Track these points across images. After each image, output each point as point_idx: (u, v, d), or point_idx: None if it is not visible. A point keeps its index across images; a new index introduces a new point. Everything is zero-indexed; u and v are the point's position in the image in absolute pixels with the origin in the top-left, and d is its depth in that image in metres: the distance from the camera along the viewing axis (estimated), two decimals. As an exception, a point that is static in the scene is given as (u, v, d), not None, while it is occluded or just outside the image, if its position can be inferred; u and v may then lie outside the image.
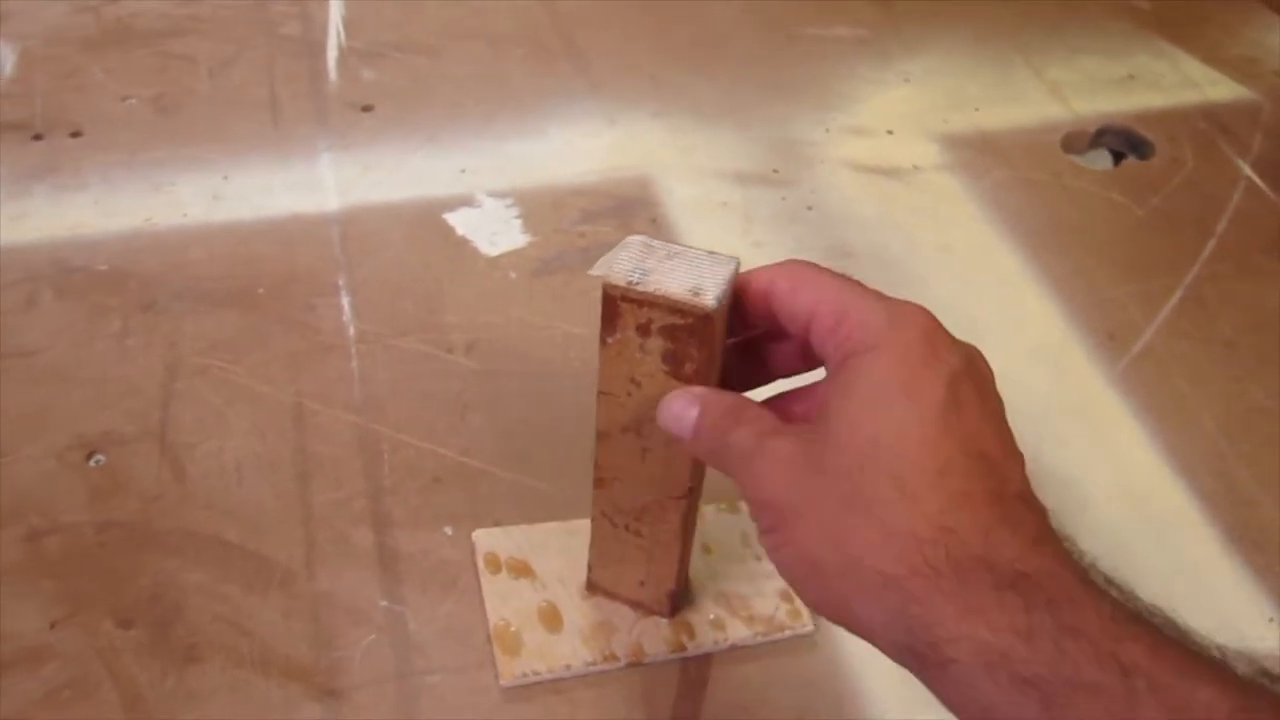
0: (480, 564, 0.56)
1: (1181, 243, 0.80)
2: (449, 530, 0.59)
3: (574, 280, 0.73)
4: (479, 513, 0.60)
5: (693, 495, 0.47)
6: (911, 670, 0.35)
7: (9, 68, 0.86)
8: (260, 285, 0.71)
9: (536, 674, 0.52)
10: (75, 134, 0.81)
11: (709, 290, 0.39)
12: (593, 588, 0.55)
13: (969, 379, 0.37)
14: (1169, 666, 0.31)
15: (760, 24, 0.97)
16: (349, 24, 0.93)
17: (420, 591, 0.56)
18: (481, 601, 0.55)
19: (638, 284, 0.40)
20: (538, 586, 0.55)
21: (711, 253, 0.41)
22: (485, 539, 0.57)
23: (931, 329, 0.38)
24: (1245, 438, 0.67)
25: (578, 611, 0.54)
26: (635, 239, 0.41)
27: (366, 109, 0.85)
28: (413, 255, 0.74)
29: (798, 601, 0.56)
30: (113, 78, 0.86)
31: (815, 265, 0.42)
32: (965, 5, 1.02)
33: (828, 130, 0.87)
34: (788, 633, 0.55)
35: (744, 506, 0.60)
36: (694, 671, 0.54)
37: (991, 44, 0.98)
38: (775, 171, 0.83)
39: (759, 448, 0.38)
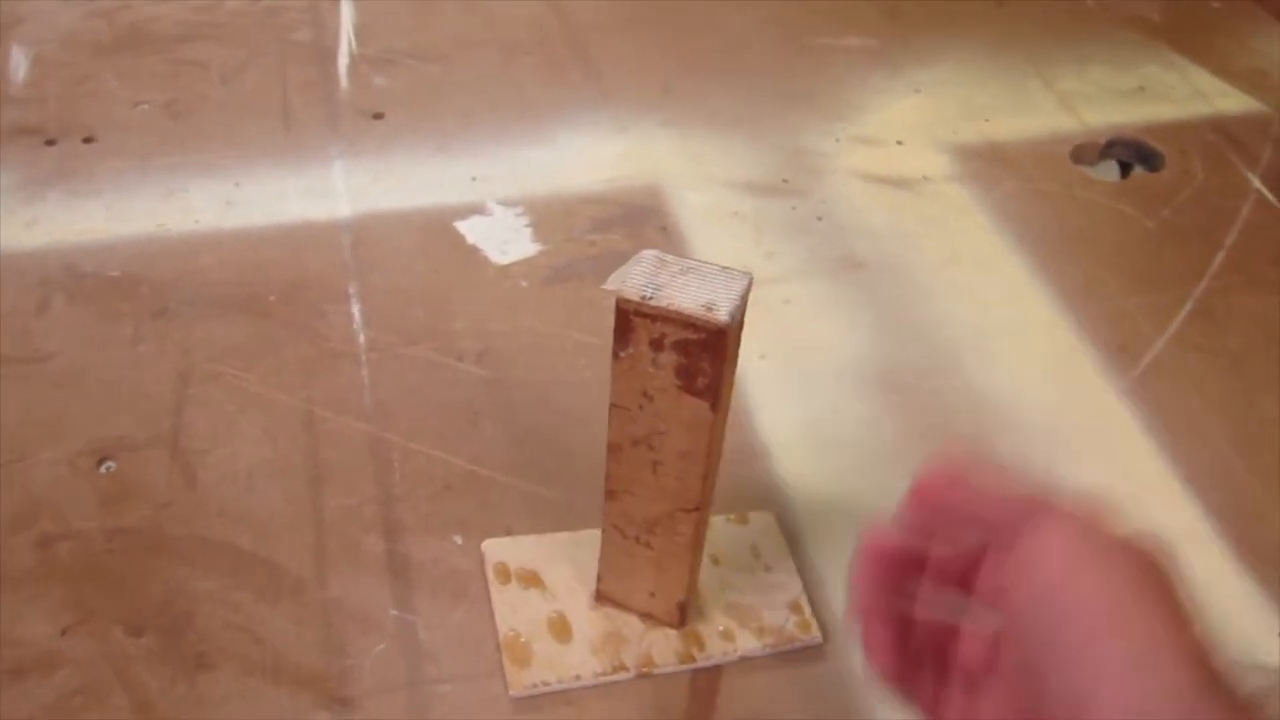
0: (490, 574, 0.56)
1: (1191, 255, 0.80)
2: (459, 539, 0.59)
3: (585, 289, 0.73)
4: (489, 521, 0.60)
5: (703, 508, 0.48)
6: None
7: (22, 73, 0.87)
8: (271, 292, 0.71)
9: (546, 684, 0.52)
10: (88, 139, 0.81)
11: (722, 305, 0.39)
12: (602, 598, 0.55)
13: (1178, 615, 0.33)
14: None
15: (772, 34, 0.97)
16: (360, 31, 0.93)
17: (431, 599, 0.57)
18: (491, 610, 0.55)
19: (651, 299, 0.40)
20: (547, 597, 0.55)
21: (725, 268, 0.41)
22: (495, 549, 0.57)
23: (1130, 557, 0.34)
24: (1254, 451, 0.67)
25: (587, 622, 0.54)
26: (649, 253, 0.41)
27: (378, 116, 0.85)
28: (423, 263, 0.74)
29: (807, 613, 0.56)
30: (125, 83, 0.86)
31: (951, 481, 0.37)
32: (976, 16, 1.02)
33: (838, 140, 0.87)
34: (797, 644, 0.55)
35: (753, 518, 0.60)
36: (703, 682, 0.54)
37: (1002, 55, 0.98)
38: (785, 181, 0.83)
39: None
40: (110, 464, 0.61)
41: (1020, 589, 0.34)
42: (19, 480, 0.60)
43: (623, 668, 0.53)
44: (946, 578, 0.38)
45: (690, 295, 0.40)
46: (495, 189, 0.80)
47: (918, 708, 0.38)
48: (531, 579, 0.56)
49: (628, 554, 0.51)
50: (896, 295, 0.75)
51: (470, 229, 0.77)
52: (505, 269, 0.74)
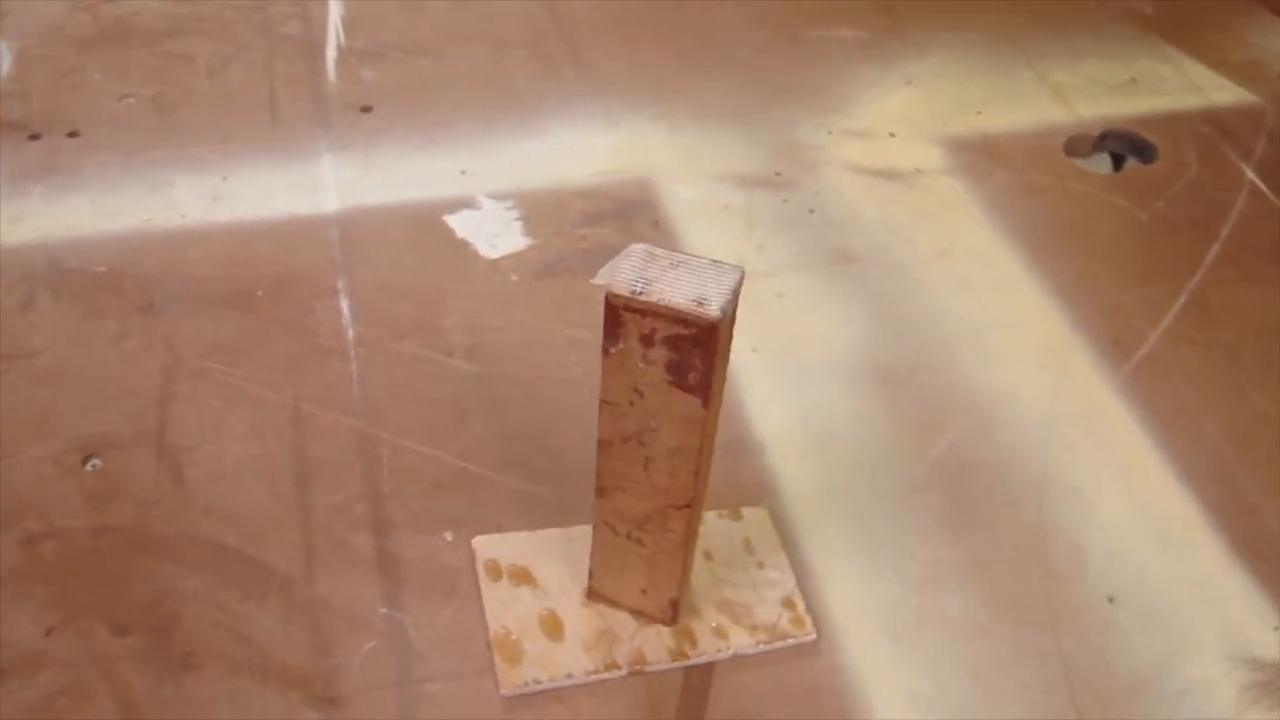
0: (481, 571, 0.56)
1: (1185, 247, 0.80)
2: (449, 536, 0.59)
3: (575, 283, 0.72)
4: (479, 517, 0.59)
5: (695, 504, 0.47)
6: None
7: (6, 67, 0.86)
8: (259, 287, 0.71)
9: (538, 683, 0.51)
10: (73, 134, 0.81)
11: (714, 300, 0.39)
12: (594, 595, 0.54)
13: None
14: None
15: (763, 26, 0.97)
16: (349, 24, 0.92)
17: (420, 597, 0.56)
18: (482, 608, 0.55)
19: (641, 294, 0.39)
20: (539, 594, 0.55)
21: (716, 262, 0.40)
22: (486, 546, 0.57)
23: None
24: (1248, 444, 0.67)
25: (579, 619, 0.53)
26: (638, 247, 0.41)
27: (366, 110, 0.85)
28: (412, 257, 0.74)
29: (800, 609, 0.56)
30: (111, 77, 0.85)
31: None
32: (968, 8, 1.01)
33: (830, 133, 0.87)
34: (790, 641, 0.55)
35: (746, 513, 0.60)
36: (696, 679, 0.53)
37: (994, 47, 0.97)
38: (777, 174, 0.83)
39: None
40: (96, 461, 0.61)
41: None
42: (3, 479, 0.59)
43: (615, 666, 0.52)
44: None
45: (681, 290, 0.39)
46: (485, 182, 0.80)
47: None
48: (523, 576, 0.55)
49: (619, 551, 0.50)
50: (889, 288, 0.75)
51: (460, 223, 0.76)
52: (495, 263, 0.74)
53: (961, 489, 0.63)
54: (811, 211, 0.80)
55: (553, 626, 0.53)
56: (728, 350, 0.42)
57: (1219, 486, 0.65)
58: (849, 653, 0.56)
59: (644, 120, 0.86)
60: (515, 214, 0.77)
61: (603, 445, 0.45)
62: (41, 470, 0.60)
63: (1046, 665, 0.56)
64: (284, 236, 0.74)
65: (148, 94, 0.84)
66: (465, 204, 0.78)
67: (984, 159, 0.86)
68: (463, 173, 0.80)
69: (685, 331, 0.39)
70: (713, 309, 0.39)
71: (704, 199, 0.80)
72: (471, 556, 0.57)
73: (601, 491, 0.48)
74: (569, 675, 0.52)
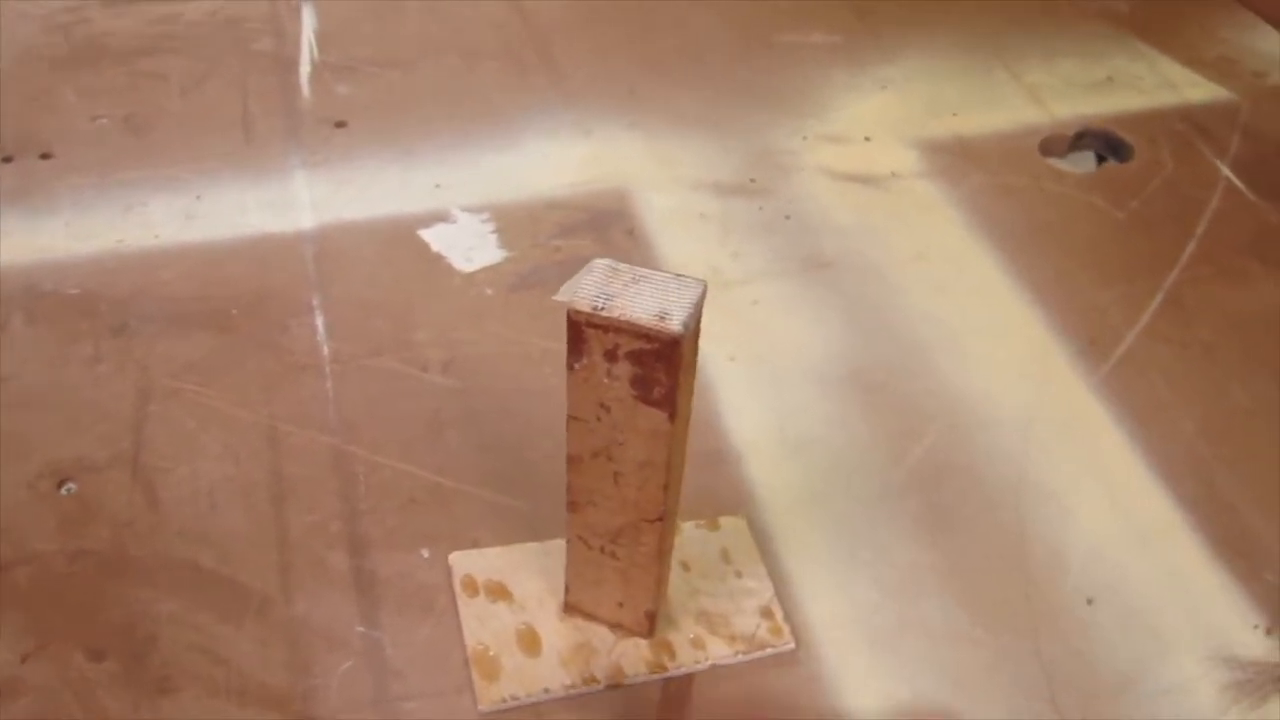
0: (457, 587, 0.55)
1: (1161, 245, 0.80)
2: (426, 552, 0.58)
3: (550, 295, 0.72)
4: (456, 533, 0.59)
5: (667, 518, 0.47)
6: None
7: (-22, 89, 0.85)
8: (233, 306, 0.70)
9: (515, 699, 0.51)
10: (45, 155, 0.80)
11: (676, 314, 0.39)
12: (571, 609, 0.54)
13: None
14: None
15: (736, 32, 0.97)
16: (322, 39, 0.92)
17: (398, 615, 0.56)
18: (459, 624, 0.55)
19: (603, 309, 0.39)
20: (515, 609, 0.54)
21: (678, 275, 0.40)
22: (462, 561, 0.57)
23: None
24: (1225, 441, 0.67)
25: (556, 633, 0.53)
26: (600, 263, 0.41)
27: (340, 125, 0.84)
28: (387, 273, 0.73)
29: (778, 618, 0.55)
30: (84, 98, 0.85)
31: None
32: (942, 10, 1.02)
33: (805, 138, 0.87)
34: (769, 650, 0.54)
35: (723, 522, 0.59)
36: (676, 691, 0.53)
37: (969, 48, 0.97)
38: (753, 181, 0.83)
39: None
40: (71, 485, 0.61)
41: None
42: (-23, 505, 0.59)
43: (593, 680, 0.52)
44: None
45: (643, 305, 0.39)
46: (460, 196, 0.79)
47: None
48: (499, 591, 0.55)
49: (594, 565, 0.50)
50: (865, 293, 0.75)
51: (435, 237, 0.76)
52: (470, 277, 0.74)
53: (939, 493, 0.63)
54: (787, 218, 0.80)
55: (530, 642, 0.53)
56: (693, 363, 0.42)
57: (1197, 484, 0.65)
58: (828, 660, 0.55)
59: (618, 129, 0.86)
60: (490, 227, 0.77)
61: (572, 460, 0.45)
62: (16, 495, 0.60)
63: (1027, 668, 0.56)
64: (258, 254, 0.74)
65: (121, 114, 0.84)
66: (440, 218, 0.78)
67: (960, 161, 0.86)
68: (437, 186, 0.80)
69: (648, 346, 0.39)
70: (675, 323, 0.39)
71: (679, 207, 0.80)
72: (448, 573, 0.57)
73: (573, 506, 0.48)
74: (546, 690, 0.52)
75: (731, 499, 0.61)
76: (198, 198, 0.78)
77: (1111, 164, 0.89)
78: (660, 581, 0.51)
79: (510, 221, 0.78)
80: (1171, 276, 0.77)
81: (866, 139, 0.87)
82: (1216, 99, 0.94)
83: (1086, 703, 0.55)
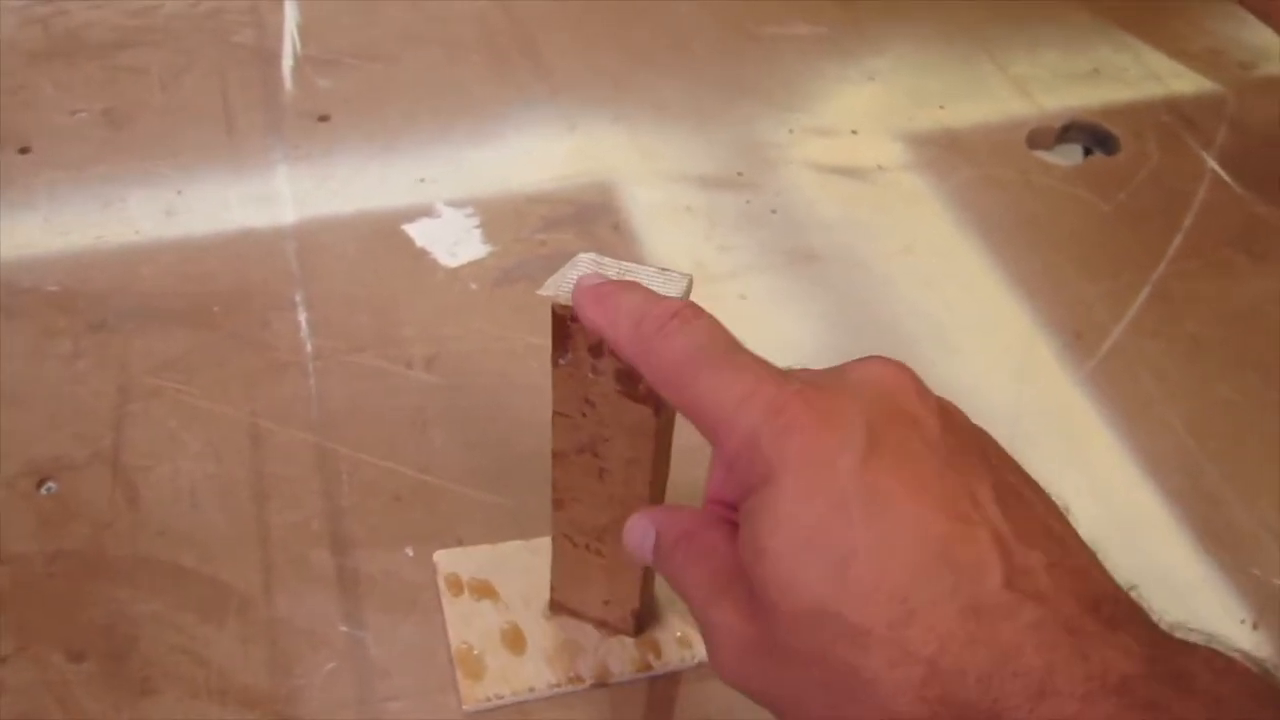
0: (442, 585, 0.55)
1: (1148, 238, 0.80)
2: (410, 551, 0.58)
3: (535, 290, 0.71)
4: (441, 531, 0.59)
5: (653, 515, 0.46)
6: None
7: (-46, 83, 0.84)
8: (215, 302, 0.70)
9: (500, 698, 0.51)
10: (23, 150, 0.79)
11: (662, 308, 0.38)
12: (556, 607, 0.53)
13: (884, 453, 0.30)
14: None
15: (721, 24, 0.96)
16: (304, 31, 0.91)
17: (381, 614, 0.55)
18: (444, 623, 0.54)
19: None
20: (500, 608, 0.54)
21: (663, 270, 0.40)
22: (446, 560, 0.56)
23: (816, 421, 0.31)
24: (1213, 436, 0.67)
25: (541, 632, 0.53)
26: (584, 257, 0.40)
27: (323, 119, 0.84)
28: (371, 268, 0.73)
29: (766, 615, 0.55)
30: (62, 91, 0.84)
31: (670, 326, 0.35)
32: (927, 1, 1.01)
33: (791, 131, 0.86)
34: (756, 647, 0.54)
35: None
36: (661, 690, 0.53)
37: (956, 40, 0.97)
38: (739, 174, 0.82)
39: (709, 623, 0.33)
40: (51, 485, 0.60)
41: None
42: (-46, 505, 0.58)
43: (578, 679, 0.52)
44: None
45: None
46: (444, 190, 0.79)
47: None
48: (484, 590, 0.55)
49: (579, 563, 0.50)
50: (853, 287, 0.74)
51: (419, 231, 0.76)
52: (455, 272, 0.73)
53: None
54: (774, 211, 0.79)
55: (515, 640, 0.53)
56: (679, 359, 0.42)
57: (1183, 478, 0.65)
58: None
59: (602, 122, 0.85)
60: (474, 221, 0.76)
61: (557, 457, 0.45)
62: (-6, 495, 0.59)
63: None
64: (239, 250, 0.73)
65: (100, 108, 0.83)
66: (424, 212, 0.77)
67: (946, 154, 0.85)
68: (421, 180, 0.79)
69: (634, 341, 0.39)
70: (661, 317, 0.38)
71: (665, 201, 0.79)
72: (432, 571, 0.56)
73: (558, 504, 0.47)
74: (531, 689, 0.51)
75: (718, 495, 0.61)
76: (178, 192, 0.77)
77: (1098, 156, 0.88)
78: (647, 579, 0.50)
79: (494, 216, 0.77)
80: (1158, 270, 0.77)
81: (853, 132, 0.87)
82: (1203, 91, 0.94)
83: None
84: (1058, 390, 0.69)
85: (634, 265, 0.40)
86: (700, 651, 0.53)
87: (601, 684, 0.52)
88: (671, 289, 0.39)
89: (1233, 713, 0.28)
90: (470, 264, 0.73)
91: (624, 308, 0.36)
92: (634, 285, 0.37)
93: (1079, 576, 0.31)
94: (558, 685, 0.51)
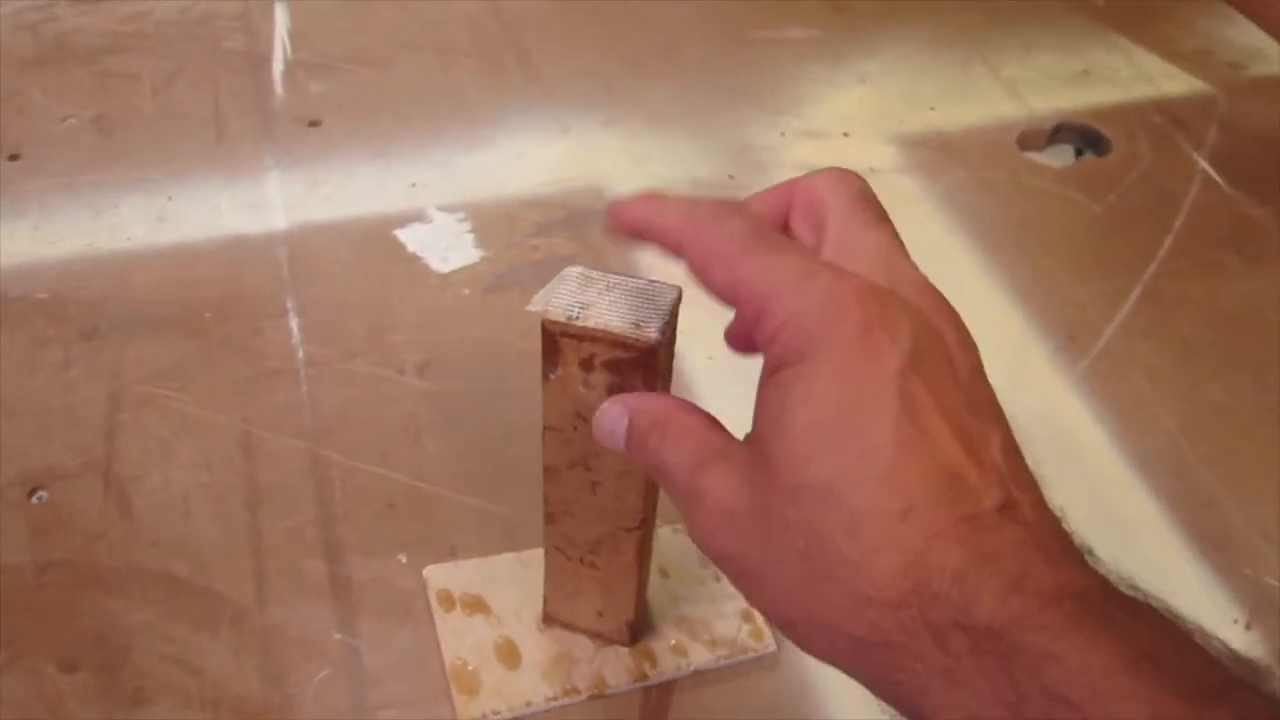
0: (433, 601, 0.55)
1: (1139, 239, 0.80)
2: (403, 558, 0.58)
3: (528, 296, 0.70)
4: (434, 538, 0.59)
5: (646, 526, 0.46)
6: None
7: (-56, 90, 0.84)
8: (206, 309, 0.70)
9: (497, 714, 0.51)
10: (13, 157, 0.79)
11: (651, 321, 0.38)
12: (549, 620, 0.53)
13: (922, 370, 0.32)
14: None
15: (712, 27, 0.96)
16: (295, 36, 0.91)
17: (375, 622, 0.55)
18: (437, 633, 0.54)
19: (577, 319, 0.38)
20: (493, 622, 0.54)
21: (653, 281, 0.40)
22: (437, 575, 0.56)
23: (870, 317, 0.32)
24: (1204, 437, 0.67)
25: (535, 645, 0.53)
26: (573, 270, 0.40)
27: (314, 124, 0.84)
28: (363, 274, 0.73)
29: (759, 621, 0.55)
30: (52, 98, 0.84)
31: (721, 213, 0.36)
32: (920, 4, 1.01)
33: (783, 134, 0.86)
34: (750, 654, 0.54)
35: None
36: (657, 699, 0.53)
37: (947, 42, 0.97)
38: (731, 178, 0.82)
39: (694, 491, 0.34)
40: (42, 494, 0.60)
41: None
42: (-55, 516, 0.58)
43: (574, 691, 0.52)
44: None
45: (618, 312, 0.38)
46: (435, 195, 0.79)
47: None
48: (476, 604, 0.55)
49: (572, 575, 0.50)
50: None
51: (410, 237, 0.75)
52: (447, 277, 0.73)
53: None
54: (765, 215, 0.79)
55: (509, 654, 0.53)
56: (669, 369, 0.42)
57: (1176, 479, 0.65)
58: (810, 661, 0.55)
59: (595, 126, 0.85)
60: (466, 226, 0.76)
61: (548, 471, 0.45)
62: (-15, 506, 0.59)
63: (1010, 666, 0.56)
64: (231, 256, 0.73)
65: (90, 114, 0.83)
66: (416, 218, 0.77)
67: (938, 156, 0.86)
68: (413, 186, 0.79)
69: (624, 355, 0.39)
70: (651, 330, 0.38)
71: (657, 205, 0.79)
72: (424, 585, 0.56)
73: (550, 518, 0.47)
74: (528, 704, 0.51)
75: (711, 501, 0.61)
76: (169, 199, 0.77)
77: (1089, 157, 0.88)
78: (640, 590, 0.50)
79: (487, 221, 0.77)
80: (1150, 271, 0.77)
81: (845, 135, 0.87)
82: (1193, 91, 0.94)
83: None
84: (1050, 392, 0.69)
85: (622, 277, 0.40)
86: (694, 659, 0.53)
87: (598, 695, 0.52)
88: (662, 301, 0.39)
89: (1177, 639, 0.29)
90: (462, 269, 0.73)
91: (672, 203, 0.37)
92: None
93: (1058, 523, 0.33)
94: (554, 698, 0.51)
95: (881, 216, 0.38)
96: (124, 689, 0.52)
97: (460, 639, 0.53)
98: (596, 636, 0.53)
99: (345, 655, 0.54)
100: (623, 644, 0.53)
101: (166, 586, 0.56)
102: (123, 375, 0.65)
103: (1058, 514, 0.34)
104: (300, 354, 0.67)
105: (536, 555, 0.52)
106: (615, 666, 0.52)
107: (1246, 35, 1.00)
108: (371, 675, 0.53)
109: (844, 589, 0.30)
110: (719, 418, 0.39)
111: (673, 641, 0.54)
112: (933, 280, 0.38)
